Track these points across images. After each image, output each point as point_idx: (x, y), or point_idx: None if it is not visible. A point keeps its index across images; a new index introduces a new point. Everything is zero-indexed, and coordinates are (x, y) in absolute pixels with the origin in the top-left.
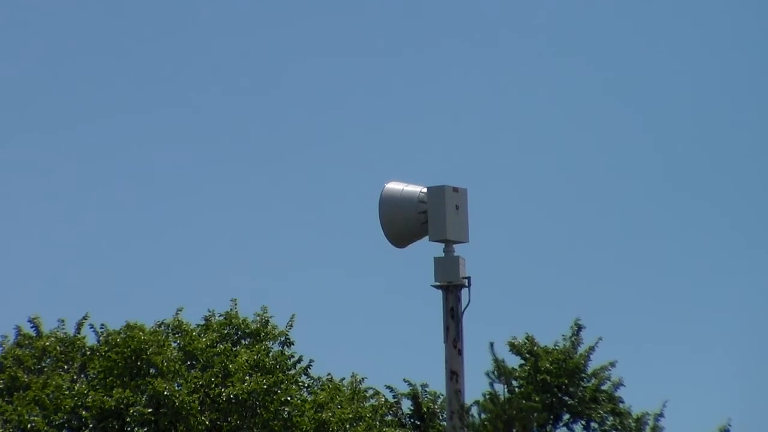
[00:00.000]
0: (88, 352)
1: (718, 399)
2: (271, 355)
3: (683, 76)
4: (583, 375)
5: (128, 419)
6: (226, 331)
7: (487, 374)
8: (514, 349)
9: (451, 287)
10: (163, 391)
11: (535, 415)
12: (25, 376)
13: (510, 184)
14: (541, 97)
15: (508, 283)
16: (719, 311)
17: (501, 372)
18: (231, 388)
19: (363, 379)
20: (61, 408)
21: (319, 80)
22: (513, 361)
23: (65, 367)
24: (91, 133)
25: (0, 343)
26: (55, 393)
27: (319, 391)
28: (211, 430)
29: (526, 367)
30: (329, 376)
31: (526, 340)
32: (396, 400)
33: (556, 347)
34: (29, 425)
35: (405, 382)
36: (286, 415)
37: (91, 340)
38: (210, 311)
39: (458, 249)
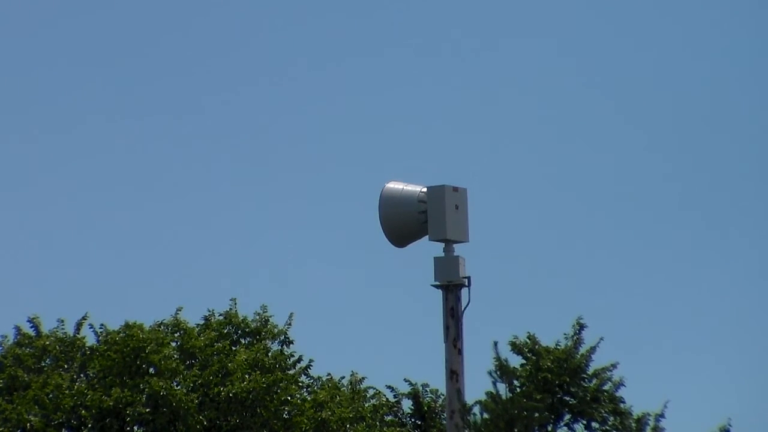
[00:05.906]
0: (88, 352)
1: (718, 399)
2: (270, 354)
3: (685, 77)
4: (585, 375)
5: (127, 418)
6: (225, 330)
7: (490, 373)
8: (516, 348)
9: (451, 287)
10: (160, 391)
11: (537, 414)
12: (25, 376)
13: (510, 184)
14: (541, 97)
15: (508, 283)
16: (720, 311)
17: (504, 371)
18: (230, 387)
19: (363, 378)
20: (60, 407)
21: (318, 80)
22: (514, 361)
23: (65, 366)
24: (91, 134)
25: (0, 343)
26: (54, 392)
27: (318, 390)
28: (209, 429)
29: (527, 367)
30: (329, 376)
31: (528, 340)
32: (397, 399)
33: (558, 346)
34: (29, 424)
35: (406, 381)
36: (285, 414)
37: (90, 339)
38: (210, 311)
39: (458, 249)
